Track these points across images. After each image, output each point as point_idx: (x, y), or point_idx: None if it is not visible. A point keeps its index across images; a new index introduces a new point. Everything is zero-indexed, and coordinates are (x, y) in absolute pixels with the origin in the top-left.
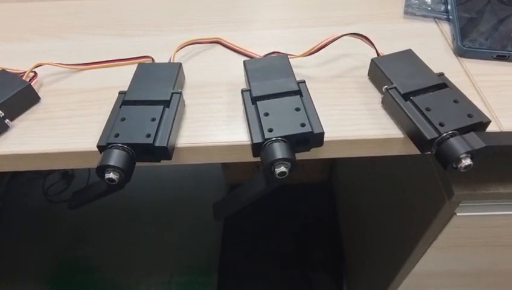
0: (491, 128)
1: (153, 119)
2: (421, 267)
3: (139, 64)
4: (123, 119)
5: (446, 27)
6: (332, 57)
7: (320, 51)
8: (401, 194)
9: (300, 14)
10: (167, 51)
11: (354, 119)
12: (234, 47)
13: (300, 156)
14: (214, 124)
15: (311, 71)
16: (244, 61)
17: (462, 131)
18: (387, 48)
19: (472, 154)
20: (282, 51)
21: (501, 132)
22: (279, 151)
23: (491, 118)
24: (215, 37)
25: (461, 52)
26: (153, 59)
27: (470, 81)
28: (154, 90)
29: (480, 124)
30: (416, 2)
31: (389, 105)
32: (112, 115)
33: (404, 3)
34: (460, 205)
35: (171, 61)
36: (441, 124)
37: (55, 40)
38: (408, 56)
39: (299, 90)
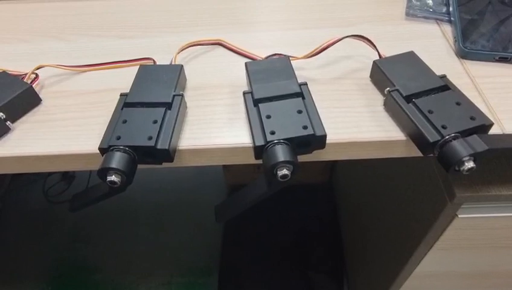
0: (493, 130)
1: (155, 122)
2: (422, 269)
3: (141, 66)
4: (125, 122)
5: (448, 29)
6: (334, 59)
7: (322, 53)
8: (403, 195)
9: (302, 15)
10: (168, 53)
11: (356, 122)
12: (236, 49)
13: (302, 158)
14: (215, 126)
15: (313, 73)
16: (245, 63)
17: (465, 133)
18: (389, 50)
19: (475, 157)
20: (283, 53)
21: (503, 134)
22: (281, 153)
23: (493, 121)
24: (217, 38)
25: (463, 54)
26: (154, 61)
27: (472, 83)
28: (156, 93)
29: (482, 127)
30: (418, 3)
31: (391, 107)
32: (113, 117)
33: (405, 5)
34: (462, 206)
35: (173, 63)
36: (444, 127)
37: (56, 42)
38: (410, 58)
39: (301, 93)
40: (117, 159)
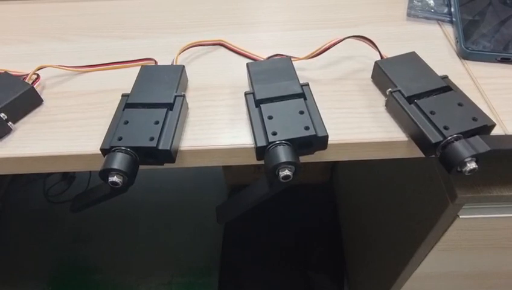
0: (495, 131)
1: (156, 122)
2: (423, 270)
3: (142, 66)
4: (126, 122)
5: (449, 29)
6: (336, 60)
7: (324, 54)
8: (404, 195)
9: (304, 16)
10: (170, 53)
11: (357, 122)
12: (237, 49)
13: (304, 159)
14: (217, 126)
15: (315, 74)
16: (247, 64)
17: (467, 134)
18: (390, 51)
19: (477, 157)
20: (285, 53)
21: (505, 135)
22: (283, 154)
23: (495, 121)
24: (218, 39)
25: (465, 55)
26: (155, 61)
27: (474, 84)
28: (157, 93)
29: (484, 128)
30: (419, 4)
31: (393, 108)
32: (115, 117)
33: (407, 6)
34: (463, 207)
35: (174, 63)
36: (446, 128)
37: (57, 42)
38: (412, 59)
39: (302, 93)
40: (119, 160)
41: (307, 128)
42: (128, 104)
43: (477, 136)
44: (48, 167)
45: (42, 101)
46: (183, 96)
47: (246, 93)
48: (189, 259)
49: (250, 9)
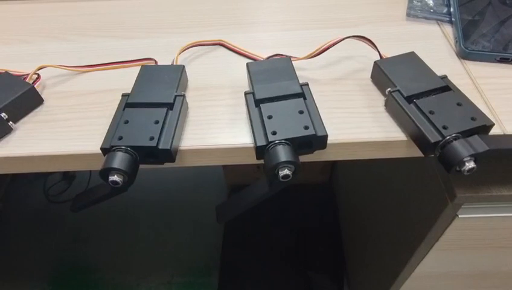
0: (494, 131)
1: (157, 122)
2: (422, 269)
3: (142, 66)
4: (126, 122)
5: (449, 29)
6: (335, 60)
7: (323, 54)
8: (403, 195)
9: (303, 16)
10: (170, 53)
11: (357, 122)
12: (237, 49)
13: (303, 158)
14: (217, 126)
15: (314, 73)
16: (247, 64)
17: (466, 134)
18: (390, 50)
19: (476, 157)
20: (285, 53)
21: (504, 135)
22: (283, 154)
23: (494, 121)
24: (218, 39)
25: (464, 55)
26: (155, 61)
27: (473, 83)
28: (158, 93)
29: (483, 127)
30: (419, 4)
31: (392, 108)
32: (115, 117)
33: (406, 6)
34: (462, 207)
35: (174, 63)
36: (445, 127)
37: (57, 42)
38: (411, 58)
39: (302, 93)
40: (119, 160)
41: (306, 127)
42: (128, 103)
43: (476, 136)
44: (48, 167)
45: (43, 100)
46: (183, 96)
47: (245, 93)
48: (189, 259)
49: (250, 9)
